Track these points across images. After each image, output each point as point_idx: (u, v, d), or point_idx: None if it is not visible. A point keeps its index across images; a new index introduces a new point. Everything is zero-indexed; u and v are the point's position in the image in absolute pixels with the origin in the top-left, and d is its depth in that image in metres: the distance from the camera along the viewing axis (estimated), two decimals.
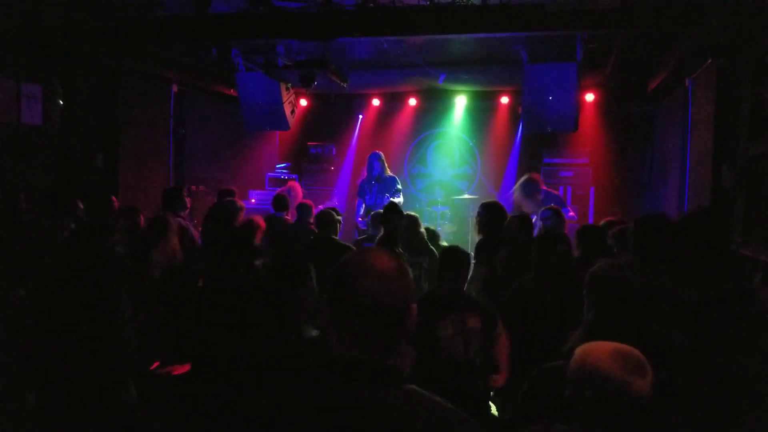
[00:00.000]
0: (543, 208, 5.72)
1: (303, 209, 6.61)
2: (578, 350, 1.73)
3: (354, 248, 5.91)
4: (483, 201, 8.47)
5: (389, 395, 1.24)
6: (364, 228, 7.59)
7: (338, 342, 1.29)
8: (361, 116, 10.93)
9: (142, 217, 5.51)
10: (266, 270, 3.32)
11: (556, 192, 7.86)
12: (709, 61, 5.99)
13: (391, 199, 7.68)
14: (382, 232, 5.27)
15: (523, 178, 7.36)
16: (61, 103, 6.95)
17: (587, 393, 1.62)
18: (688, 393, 2.01)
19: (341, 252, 5.17)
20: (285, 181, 9.83)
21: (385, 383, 1.26)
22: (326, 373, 1.29)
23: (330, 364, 1.29)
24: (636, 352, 1.67)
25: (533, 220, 5.38)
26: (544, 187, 7.42)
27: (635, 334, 1.93)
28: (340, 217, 5.88)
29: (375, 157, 8.17)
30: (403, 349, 1.33)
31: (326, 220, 5.64)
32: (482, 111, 10.37)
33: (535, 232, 5.42)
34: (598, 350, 1.69)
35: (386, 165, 8.22)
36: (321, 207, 7.05)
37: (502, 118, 10.28)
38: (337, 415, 1.22)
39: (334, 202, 9.52)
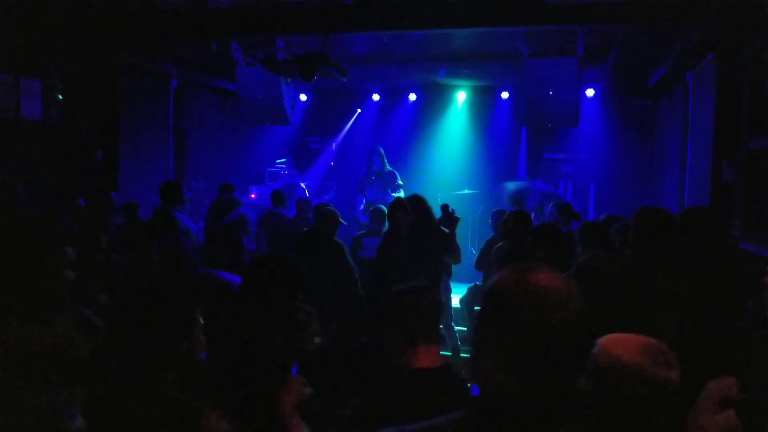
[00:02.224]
0: (551, 204, 5.74)
1: (302, 205, 6.61)
2: (603, 343, 1.67)
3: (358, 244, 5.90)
4: (484, 198, 8.52)
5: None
6: (365, 222, 7.59)
7: (504, 373, 1.15)
8: (359, 110, 10.91)
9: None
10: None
11: (554, 190, 7.86)
12: (710, 56, 5.98)
13: (393, 194, 7.68)
14: (386, 227, 5.28)
15: (513, 190, 7.44)
16: (60, 98, 6.94)
17: (617, 387, 1.59)
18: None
19: (336, 251, 5.18)
20: (284, 176, 9.82)
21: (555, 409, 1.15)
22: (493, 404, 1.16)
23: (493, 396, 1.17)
24: (664, 344, 1.65)
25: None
26: (540, 182, 7.49)
27: (623, 327, 1.91)
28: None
29: (375, 152, 8.16)
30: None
31: (329, 217, 5.47)
32: (482, 106, 10.35)
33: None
34: (626, 343, 1.65)
35: (386, 160, 8.21)
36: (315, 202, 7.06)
37: (502, 113, 10.26)
38: None
39: (330, 195, 9.50)
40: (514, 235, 4.72)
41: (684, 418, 1.54)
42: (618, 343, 1.66)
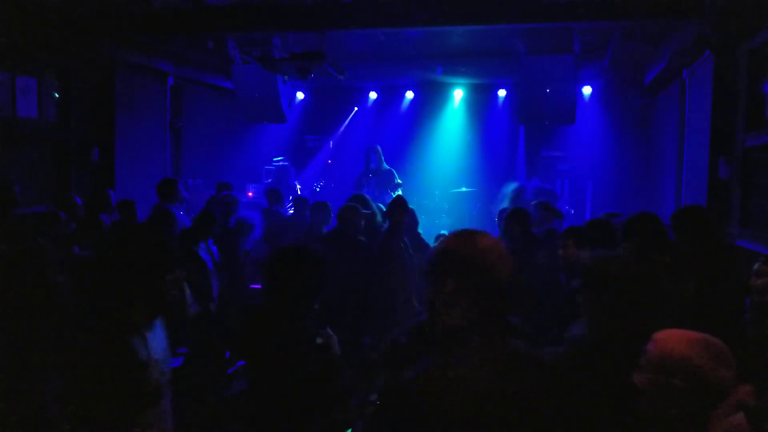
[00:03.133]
0: (533, 202, 5.77)
1: (300, 203, 6.60)
2: (660, 337, 1.69)
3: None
4: (481, 196, 8.53)
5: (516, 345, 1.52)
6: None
7: (470, 312, 1.50)
8: (356, 108, 10.90)
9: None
10: None
11: (551, 187, 7.87)
12: (706, 53, 5.99)
13: (391, 193, 7.68)
14: (387, 224, 5.27)
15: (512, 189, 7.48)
16: (57, 96, 6.92)
17: (675, 382, 1.61)
18: None
19: (362, 252, 5.12)
20: (274, 171, 9.79)
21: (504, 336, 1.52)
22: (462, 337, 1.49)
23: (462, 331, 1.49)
24: (721, 342, 1.65)
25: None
26: (537, 180, 7.52)
27: (636, 327, 1.92)
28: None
29: (372, 151, 8.15)
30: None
31: (348, 215, 5.38)
32: (480, 104, 10.35)
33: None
34: (686, 339, 1.66)
35: (383, 158, 8.21)
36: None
37: (499, 111, 10.26)
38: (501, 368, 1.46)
39: (320, 185, 9.49)
40: (511, 232, 4.73)
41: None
42: (678, 339, 1.67)
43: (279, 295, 2.49)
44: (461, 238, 1.58)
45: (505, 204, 7.14)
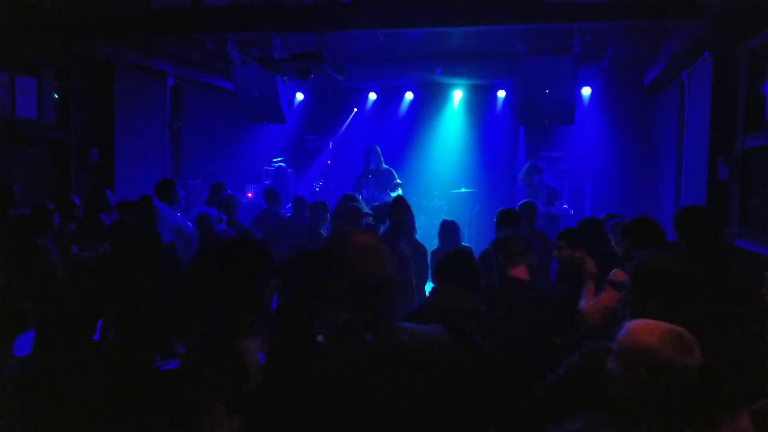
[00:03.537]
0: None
1: (298, 203, 6.60)
2: (629, 327, 1.77)
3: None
4: (481, 196, 8.56)
5: (392, 339, 1.59)
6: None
7: (342, 309, 1.58)
8: (355, 109, 10.90)
9: None
10: None
11: (552, 186, 7.88)
12: (705, 54, 5.99)
13: (390, 193, 7.68)
14: (387, 224, 5.28)
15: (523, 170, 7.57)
16: (56, 96, 6.92)
17: (641, 369, 1.67)
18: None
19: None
20: (272, 171, 9.78)
21: (387, 332, 1.59)
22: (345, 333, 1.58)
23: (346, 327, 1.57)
24: (685, 331, 1.72)
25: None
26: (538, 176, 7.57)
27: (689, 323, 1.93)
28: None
29: (371, 151, 8.15)
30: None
31: (352, 215, 5.24)
32: (479, 104, 10.35)
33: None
34: (650, 328, 1.74)
35: (382, 158, 8.21)
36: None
37: (499, 112, 10.27)
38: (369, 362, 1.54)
39: (320, 185, 9.49)
40: (504, 230, 4.76)
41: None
42: (643, 328, 1.75)
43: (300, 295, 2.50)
44: (339, 239, 1.70)
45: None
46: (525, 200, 5.92)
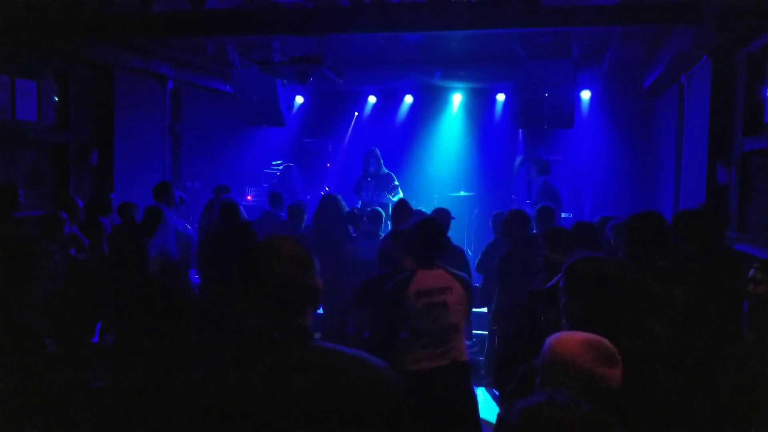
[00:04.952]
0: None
1: (294, 210, 6.58)
2: (550, 340, 1.74)
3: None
4: (480, 200, 8.57)
5: (306, 351, 1.48)
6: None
7: (257, 315, 1.51)
8: (357, 113, 10.91)
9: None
10: None
11: (553, 187, 7.86)
12: (704, 58, 6.01)
13: (390, 196, 7.67)
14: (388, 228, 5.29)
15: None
16: (56, 99, 6.93)
17: (560, 381, 1.63)
18: (670, 387, 2.00)
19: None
20: (276, 174, 9.77)
21: (294, 341, 1.49)
22: (254, 341, 1.50)
23: (255, 334, 1.50)
24: (606, 342, 1.69)
25: None
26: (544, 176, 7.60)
27: (620, 329, 1.92)
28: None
29: (370, 154, 8.14)
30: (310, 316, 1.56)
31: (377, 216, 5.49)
32: (479, 108, 10.35)
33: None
34: (570, 340, 1.71)
35: (382, 161, 8.20)
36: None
37: (498, 115, 10.27)
38: (274, 372, 1.43)
39: (324, 191, 9.48)
40: (513, 233, 4.75)
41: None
42: (562, 341, 1.71)
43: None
44: (259, 244, 1.61)
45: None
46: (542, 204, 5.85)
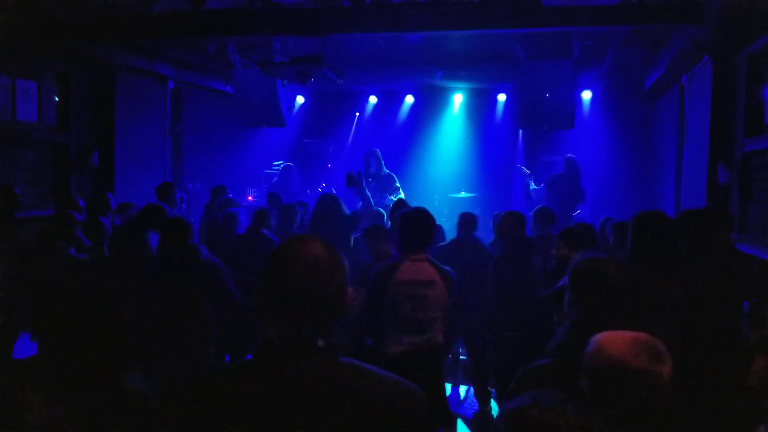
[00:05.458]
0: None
1: (286, 211, 6.57)
2: (595, 340, 1.70)
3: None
4: (481, 200, 8.54)
5: (324, 367, 1.33)
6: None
7: (274, 325, 1.38)
8: (358, 114, 10.92)
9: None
10: None
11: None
12: (705, 58, 6.00)
13: (391, 197, 7.65)
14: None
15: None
16: (57, 99, 6.93)
17: (612, 383, 1.61)
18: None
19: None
20: (275, 174, 9.77)
21: (318, 357, 1.34)
22: (265, 352, 1.36)
23: (267, 345, 1.36)
24: (653, 339, 1.66)
25: None
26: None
27: (620, 329, 1.91)
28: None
29: (371, 155, 8.13)
30: (336, 328, 1.41)
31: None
32: (479, 108, 10.36)
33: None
34: (617, 340, 1.67)
35: (382, 162, 8.19)
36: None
37: (499, 115, 10.27)
38: (280, 386, 1.31)
39: (323, 188, 9.48)
40: (509, 235, 4.72)
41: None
42: (610, 341, 1.68)
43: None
44: (279, 247, 1.45)
45: None
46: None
